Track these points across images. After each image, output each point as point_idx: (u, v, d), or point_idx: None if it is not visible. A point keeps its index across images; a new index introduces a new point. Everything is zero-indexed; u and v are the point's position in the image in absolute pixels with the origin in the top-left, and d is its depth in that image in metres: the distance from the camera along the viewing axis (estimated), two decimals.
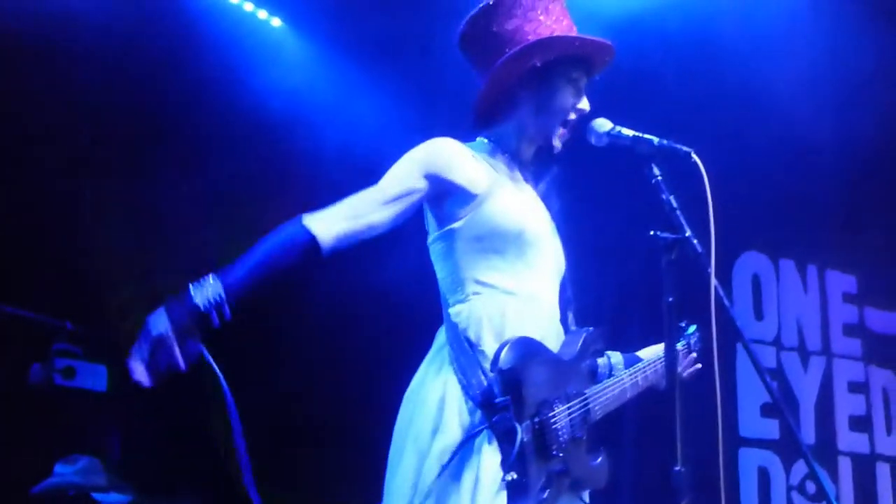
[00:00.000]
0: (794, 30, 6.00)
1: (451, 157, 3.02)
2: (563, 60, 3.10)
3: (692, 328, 3.43)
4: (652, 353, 3.33)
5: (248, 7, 6.27)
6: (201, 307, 2.61)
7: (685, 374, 3.34)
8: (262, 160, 6.01)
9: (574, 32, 3.14)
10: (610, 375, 3.14)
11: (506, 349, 2.75)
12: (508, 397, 2.69)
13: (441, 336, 2.99)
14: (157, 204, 5.55)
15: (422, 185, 2.98)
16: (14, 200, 5.23)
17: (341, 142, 6.14)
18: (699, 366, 3.43)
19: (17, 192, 5.23)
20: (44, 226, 5.28)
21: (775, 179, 6.84)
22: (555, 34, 3.08)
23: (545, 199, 3.26)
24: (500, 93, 3.13)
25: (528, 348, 2.81)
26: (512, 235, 3.00)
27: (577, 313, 3.22)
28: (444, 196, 3.02)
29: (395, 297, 5.67)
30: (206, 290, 2.63)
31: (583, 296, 3.30)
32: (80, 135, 5.44)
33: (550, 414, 2.78)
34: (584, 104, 3.16)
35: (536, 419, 2.74)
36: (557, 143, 3.17)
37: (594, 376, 3.06)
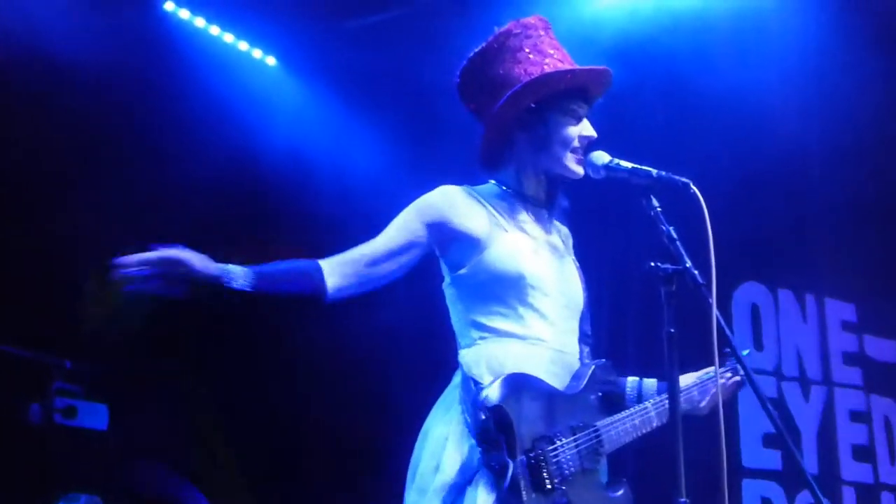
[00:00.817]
0: (792, 61, 6.03)
1: (454, 206, 3.04)
2: (558, 94, 3.08)
3: (745, 351, 3.26)
4: (690, 379, 3.26)
5: (243, 46, 6.30)
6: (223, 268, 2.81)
7: (724, 397, 3.17)
8: (255, 200, 6.02)
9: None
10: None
11: (495, 385, 2.76)
12: (501, 434, 2.71)
13: (456, 377, 3.01)
14: (150, 244, 5.53)
15: (424, 234, 3.01)
16: (12, 240, 5.23)
17: (336, 179, 6.15)
18: (737, 378, 3.30)
19: (14, 232, 5.23)
20: (43, 265, 5.27)
21: (773, 209, 6.85)
22: (545, 71, 3.05)
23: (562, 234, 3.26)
24: (499, 138, 3.12)
25: (518, 384, 2.82)
26: (511, 281, 3.00)
27: (593, 347, 3.21)
28: (449, 243, 3.04)
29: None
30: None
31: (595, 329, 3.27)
32: (78, 174, 5.45)
33: (550, 448, 2.78)
34: (589, 131, 3.13)
35: (532, 454, 2.74)
36: (576, 168, 3.10)
37: (609, 408, 3.03)
